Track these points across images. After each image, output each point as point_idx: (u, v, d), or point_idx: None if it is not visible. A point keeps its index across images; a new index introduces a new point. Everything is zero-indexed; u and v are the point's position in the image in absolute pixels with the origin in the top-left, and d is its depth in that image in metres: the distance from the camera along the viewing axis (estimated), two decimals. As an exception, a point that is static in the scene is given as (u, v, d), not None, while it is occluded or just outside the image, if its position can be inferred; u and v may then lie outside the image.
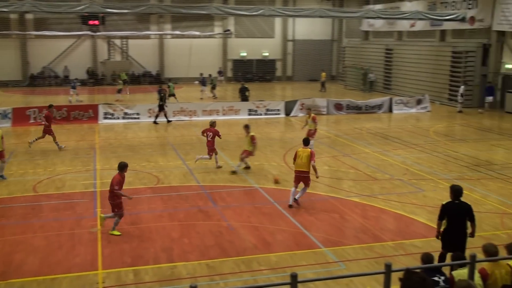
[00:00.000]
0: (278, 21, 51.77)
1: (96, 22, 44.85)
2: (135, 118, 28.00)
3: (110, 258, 10.77)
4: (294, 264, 10.36)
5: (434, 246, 11.17)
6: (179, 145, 22.09)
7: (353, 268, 10.20)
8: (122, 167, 12.12)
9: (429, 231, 12.27)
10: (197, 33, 46.31)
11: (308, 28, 51.76)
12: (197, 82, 39.39)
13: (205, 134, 18.18)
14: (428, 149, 21.30)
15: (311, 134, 20.28)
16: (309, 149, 14.20)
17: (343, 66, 49.45)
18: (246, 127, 18.02)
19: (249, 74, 51.14)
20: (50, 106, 22.07)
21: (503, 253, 7.93)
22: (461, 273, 7.29)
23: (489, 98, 32.06)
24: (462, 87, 32.32)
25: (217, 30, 49.99)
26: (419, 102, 32.71)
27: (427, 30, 38.84)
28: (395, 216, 13.41)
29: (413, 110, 32.24)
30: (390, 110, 31.85)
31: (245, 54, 51.70)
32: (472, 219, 9.55)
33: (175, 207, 14.02)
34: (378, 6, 43.41)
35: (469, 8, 34.19)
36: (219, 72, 48.19)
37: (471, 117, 29.97)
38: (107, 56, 48.48)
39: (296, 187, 14.15)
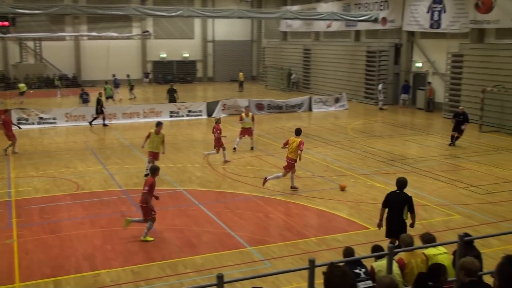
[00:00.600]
0: (197, 22, 51.59)
1: (6, 23, 42.62)
2: (51, 123, 26.95)
3: (29, 269, 10.31)
4: (220, 265, 10.38)
5: (355, 240, 11.58)
6: (99, 149, 21.50)
7: (279, 265, 10.37)
8: (154, 170, 12.08)
9: (350, 226, 12.70)
10: (115, 34, 45.18)
11: (227, 29, 51.95)
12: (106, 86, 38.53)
13: (214, 131, 19.02)
14: (347, 146, 22.00)
15: (250, 132, 20.84)
16: (299, 139, 15.08)
17: (263, 66, 50.05)
18: (159, 124, 17.01)
19: (170, 76, 50.60)
20: (6, 111, 21.39)
21: (418, 243, 8.32)
22: (380, 264, 7.60)
23: (405, 96, 33.58)
24: (380, 85, 33.67)
25: (136, 31, 49.06)
26: (337, 100, 33.71)
27: (343, 30, 40.11)
28: (317, 212, 13.75)
29: (332, 109, 33.18)
30: (310, 109, 32.59)
31: (165, 55, 51.11)
32: (410, 210, 10.04)
33: (97, 214, 13.64)
34: (295, 7, 44.31)
35: (381, 9, 35.65)
36: (146, 74, 47.46)
37: (386, 114, 31.25)
38: (19, 59, 46.34)
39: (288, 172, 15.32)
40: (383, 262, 7.47)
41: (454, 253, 7.71)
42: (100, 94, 27.86)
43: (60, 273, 10.14)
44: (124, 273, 10.13)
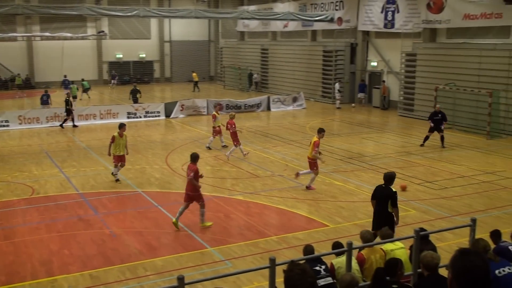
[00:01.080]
0: (154, 22, 51.08)
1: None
2: (4, 126, 26.18)
3: (-18, 277, 10.00)
4: (181, 267, 10.31)
5: (315, 237, 11.71)
6: (55, 152, 21.02)
7: (240, 265, 10.37)
8: (195, 157, 12.33)
9: (310, 224, 12.82)
10: (69, 34, 44.22)
11: (185, 29, 51.62)
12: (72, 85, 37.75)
13: (228, 127, 19.47)
14: (306, 144, 22.16)
15: (217, 131, 21.12)
16: (316, 138, 15.32)
17: (221, 66, 49.97)
18: (123, 126, 16.57)
19: (126, 76, 49.94)
20: None
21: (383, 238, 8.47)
22: (339, 261, 7.72)
23: (362, 95, 34.13)
24: (337, 84, 34.12)
25: (91, 31, 48.17)
26: (295, 100, 33.98)
27: (300, 30, 40.47)
28: (277, 211, 13.82)
29: (290, 108, 33.42)
30: (268, 108, 32.74)
31: (121, 55, 50.39)
32: (393, 205, 10.23)
33: (53, 218, 13.33)
34: (252, 7, 44.42)
35: (337, 10, 36.14)
36: (112, 76, 46.65)
37: (343, 113, 31.70)
38: (-32, 60, 44.92)
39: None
40: (342, 259, 7.58)
41: (410, 248, 7.90)
42: (68, 94, 27.44)
43: (15, 280, 9.87)
44: (82, 278, 9.94)
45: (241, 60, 45.93)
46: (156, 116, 29.51)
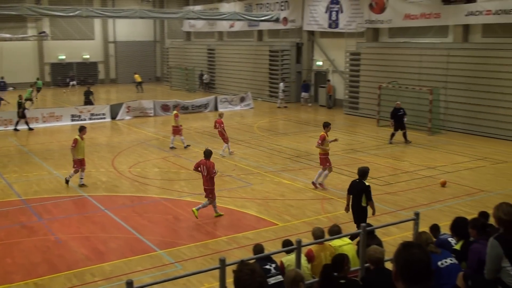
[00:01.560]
0: (97, 22, 50.00)
1: None
2: None
3: None
4: (129, 271, 10.16)
5: (265, 236, 11.78)
6: (-5, 157, 20.27)
7: (190, 267, 10.31)
8: (209, 154, 13.11)
9: (259, 223, 12.89)
10: (8, 35, 42.67)
11: (129, 29, 50.77)
12: (11, 88, 36.54)
13: (216, 125, 20.14)
14: (254, 144, 22.30)
15: (178, 130, 21.36)
16: (322, 132, 15.42)
17: (167, 67, 49.50)
18: (83, 129, 16.49)
19: (69, 78, 48.65)
20: None
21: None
22: (289, 259, 7.80)
23: (305, 94, 34.55)
24: (281, 84, 34.40)
25: (31, 32, 46.61)
26: (242, 99, 34.06)
27: (246, 30, 40.59)
28: (227, 211, 13.81)
29: (238, 108, 33.48)
30: (216, 108, 32.64)
31: (63, 57, 49.05)
32: (367, 198, 10.78)
33: (-6, 226, 12.86)
34: (197, 7, 44.21)
35: (282, 10, 36.47)
36: (71, 77, 45.31)
37: (290, 112, 32.02)
38: None
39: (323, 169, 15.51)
40: (292, 256, 7.66)
41: (358, 243, 8.08)
42: (20, 97, 26.65)
43: (-46, 292, 9.47)
44: (27, 287, 9.63)
45: (187, 61, 45.63)
46: (101, 118, 28.91)
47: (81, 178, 15.99)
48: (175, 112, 21.83)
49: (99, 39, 50.73)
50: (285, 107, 33.52)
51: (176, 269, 10.27)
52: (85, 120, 28.23)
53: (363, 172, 10.96)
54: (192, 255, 10.96)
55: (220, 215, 13.23)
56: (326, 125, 15.60)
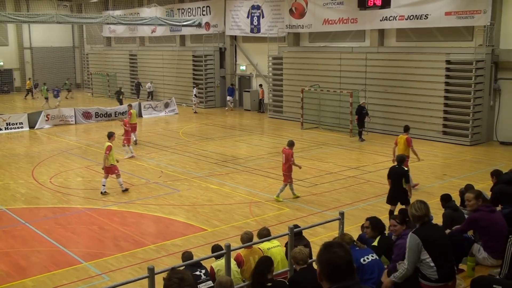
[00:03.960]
0: (11, 28, 47.79)
1: None
2: None
3: None
4: (54, 285, 9.80)
5: (194, 243, 11.74)
6: None
7: (117, 277, 10.08)
8: (291, 144, 14.72)
9: (188, 229, 12.81)
10: None
11: (46, 35, 48.91)
12: None
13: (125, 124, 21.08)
14: (180, 150, 22.14)
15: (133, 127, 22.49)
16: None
17: (87, 73, 48.14)
18: (111, 135, 16.62)
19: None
20: None
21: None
22: (219, 264, 7.82)
23: (230, 98, 34.71)
24: (195, 89, 34.45)
25: None
26: (167, 105, 33.72)
27: (168, 35, 40.24)
28: (154, 219, 13.64)
29: (162, 114, 33.11)
30: (139, 115, 32.08)
31: (-25, 64, 46.64)
32: (406, 181, 12.03)
33: None
34: (118, 12, 43.26)
35: (204, 15, 36.47)
36: (35, 84, 42.95)
37: (215, 117, 32.05)
38: None
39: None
40: (222, 261, 7.69)
41: (286, 245, 8.23)
42: None
43: None
44: None
45: (108, 67, 44.61)
46: (18, 128, 27.66)
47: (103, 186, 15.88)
48: (130, 111, 22.69)
49: (13, 45, 48.54)
50: (195, 112, 33.46)
51: (103, 281, 10.02)
52: (1, 130, 26.92)
53: (402, 159, 12.38)
54: (119, 265, 10.73)
55: (298, 197, 14.81)
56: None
